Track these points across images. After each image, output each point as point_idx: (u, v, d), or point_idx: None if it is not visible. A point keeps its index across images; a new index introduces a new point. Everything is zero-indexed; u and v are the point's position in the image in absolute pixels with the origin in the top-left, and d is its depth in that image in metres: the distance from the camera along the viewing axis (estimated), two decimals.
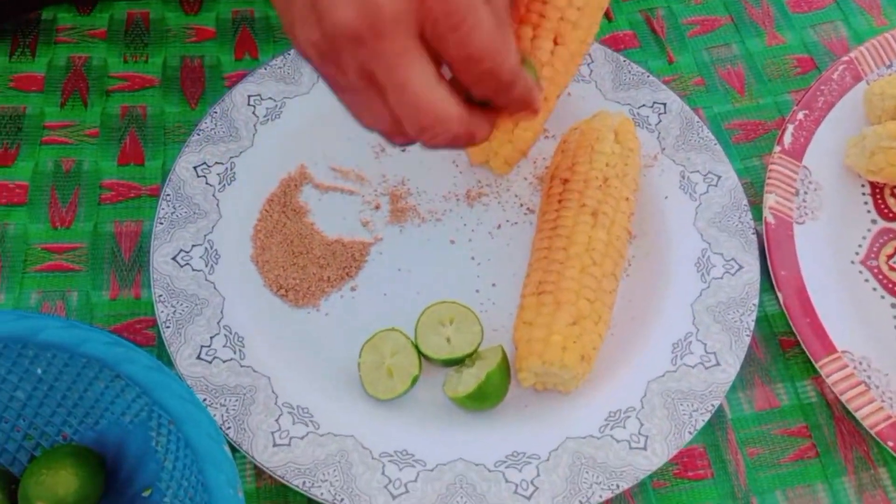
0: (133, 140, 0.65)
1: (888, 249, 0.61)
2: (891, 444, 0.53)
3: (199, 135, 0.63)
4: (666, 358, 0.56)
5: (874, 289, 0.59)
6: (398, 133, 0.47)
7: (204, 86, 0.68)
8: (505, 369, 0.54)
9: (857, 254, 0.61)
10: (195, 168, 0.62)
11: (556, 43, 0.58)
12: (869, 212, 0.62)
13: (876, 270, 0.60)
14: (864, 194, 0.63)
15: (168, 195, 0.60)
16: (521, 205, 0.63)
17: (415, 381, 0.54)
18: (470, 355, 0.56)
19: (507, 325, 0.58)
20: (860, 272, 0.60)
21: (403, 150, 0.65)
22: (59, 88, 0.67)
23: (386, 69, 0.43)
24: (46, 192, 0.62)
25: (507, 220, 0.63)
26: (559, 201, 0.57)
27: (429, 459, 0.53)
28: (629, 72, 0.67)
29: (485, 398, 0.54)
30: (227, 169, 0.62)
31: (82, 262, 0.60)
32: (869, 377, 0.55)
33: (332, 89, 0.47)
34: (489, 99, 0.47)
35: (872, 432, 0.53)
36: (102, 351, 0.45)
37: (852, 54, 0.66)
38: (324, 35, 0.43)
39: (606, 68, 0.67)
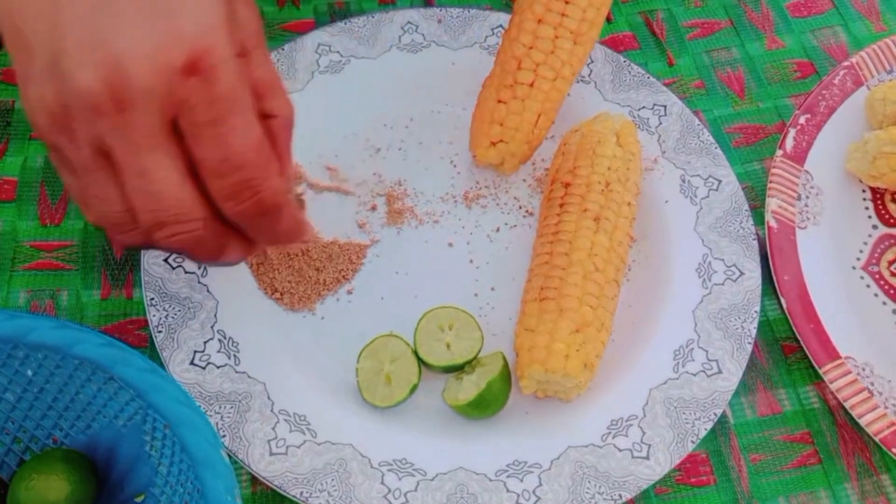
0: None
1: (889, 255, 0.61)
2: (895, 450, 0.52)
3: None
4: (667, 365, 0.56)
5: (875, 294, 0.59)
6: (129, 229, 0.40)
7: None
8: (506, 377, 0.53)
9: (858, 259, 0.60)
10: None
11: (574, 42, 0.58)
12: (870, 217, 0.62)
13: (877, 276, 0.60)
14: (864, 199, 0.63)
15: None
16: (521, 207, 0.63)
17: (413, 389, 0.53)
18: (470, 362, 0.55)
19: (506, 329, 0.58)
20: (861, 278, 0.60)
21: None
22: None
23: (126, 149, 0.37)
24: (35, 189, 0.61)
25: (506, 223, 0.62)
26: (561, 205, 0.56)
27: (429, 468, 0.52)
28: (629, 73, 0.67)
29: (486, 406, 0.53)
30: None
31: (72, 261, 0.58)
32: (872, 383, 0.55)
33: (58, 167, 0.40)
34: (243, 223, 0.40)
35: (877, 439, 0.53)
36: (96, 352, 0.44)
37: (853, 59, 0.66)
38: (58, 98, 0.36)
39: (606, 69, 0.67)
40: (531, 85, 0.59)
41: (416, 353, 0.54)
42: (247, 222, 0.40)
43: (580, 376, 0.51)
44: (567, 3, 0.57)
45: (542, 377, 0.52)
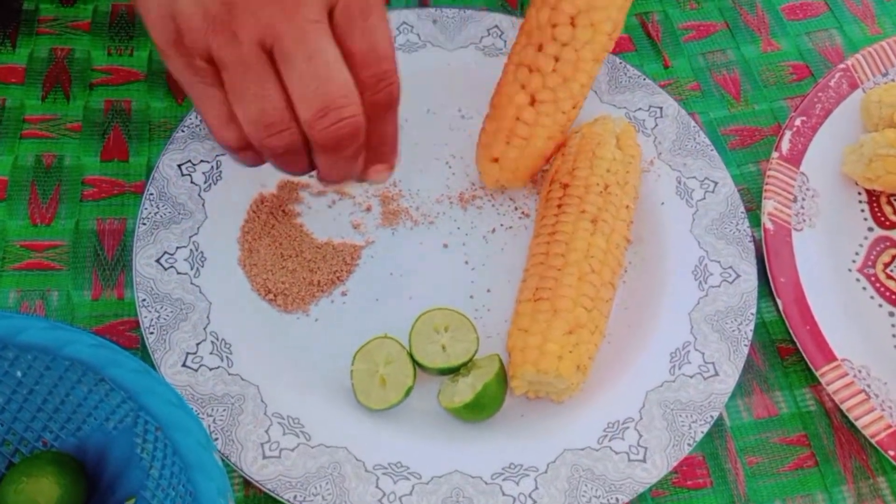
0: (117, 135, 0.63)
1: (885, 258, 0.61)
2: (892, 453, 0.52)
3: (184, 131, 0.61)
4: (664, 368, 0.55)
5: (871, 297, 0.59)
6: (284, 126, 0.41)
7: None
8: (502, 379, 0.53)
9: (854, 262, 0.60)
10: (180, 166, 0.60)
11: (566, 80, 0.58)
12: (865, 220, 0.62)
13: (873, 279, 0.60)
14: (860, 202, 0.63)
15: (151, 194, 0.58)
16: (516, 208, 0.62)
17: (408, 392, 0.53)
18: (465, 364, 0.54)
19: (502, 332, 0.57)
20: (857, 280, 0.60)
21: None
22: (41, 81, 0.64)
23: (297, 33, 0.39)
24: (26, 188, 0.60)
25: (502, 224, 0.62)
26: (558, 206, 0.56)
27: (424, 472, 0.51)
28: (625, 74, 0.66)
29: (481, 409, 0.52)
30: (213, 167, 0.60)
31: (63, 261, 0.58)
32: (868, 385, 0.54)
33: (197, 83, 0.41)
34: (371, 114, 0.42)
35: (873, 441, 0.53)
36: (87, 353, 0.43)
37: (849, 62, 0.66)
38: None
39: (602, 70, 0.66)
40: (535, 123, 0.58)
41: (410, 355, 0.54)
42: (374, 114, 0.42)
43: (572, 378, 0.51)
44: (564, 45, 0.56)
45: (534, 378, 0.52)
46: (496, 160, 0.59)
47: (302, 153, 0.44)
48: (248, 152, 0.44)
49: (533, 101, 0.57)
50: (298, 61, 0.39)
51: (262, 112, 0.40)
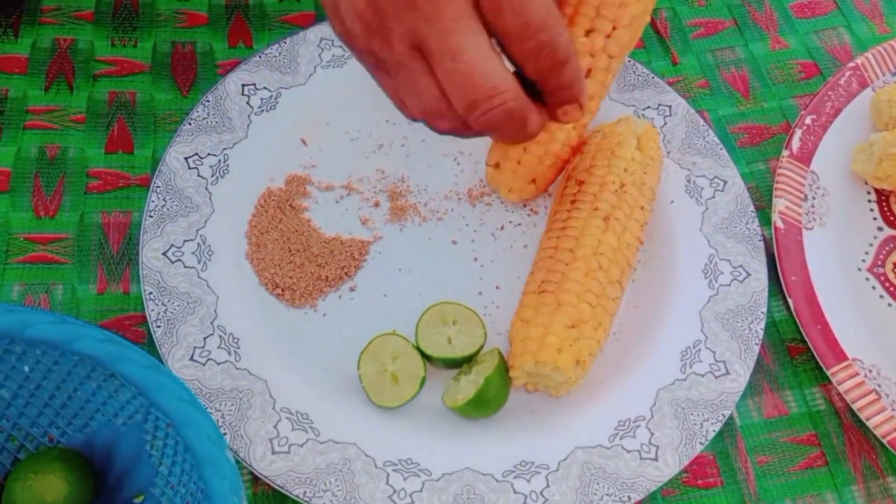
0: (121, 127, 0.62)
1: (894, 257, 0.60)
2: None
3: (190, 124, 0.60)
4: (675, 366, 0.55)
5: (881, 296, 0.59)
6: (444, 114, 0.44)
7: (196, 73, 0.65)
8: (504, 372, 0.53)
9: (863, 261, 0.60)
10: (187, 159, 0.59)
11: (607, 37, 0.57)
12: (875, 219, 0.62)
13: (883, 278, 0.60)
14: (869, 201, 0.63)
15: (158, 187, 0.57)
16: (525, 205, 0.62)
17: (423, 382, 0.52)
18: (470, 358, 0.54)
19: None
20: (867, 279, 0.59)
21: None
22: (44, 71, 0.63)
23: (439, 34, 0.41)
24: (30, 180, 0.59)
25: (511, 221, 0.61)
26: (572, 202, 0.56)
27: (434, 468, 0.51)
28: (634, 72, 0.66)
29: (486, 404, 0.52)
30: (220, 161, 0.60)
31: (68, 254, 0.57)
32: (879, 385, 0.54)
33: (374, 71, 0.45)
34: (542, 78, 0.44)
35: (885, 441, 0.52)
36: (96, 348, 0.43)
37: (858, 60, 0.66)
38: (371, 2, 0.41)
39: None
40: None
41: (416, 346, 0.54)
42: (546, 78, 0.44)
43: (570, 372, 0.51)
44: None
45: (533, 369, 0.51)
46: (503, 166, 0.59)
47: (471, 128, 0.46)
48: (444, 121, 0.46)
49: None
50: (444, 60, 0.41)
51: (422, 103, 0.44)
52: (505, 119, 0.43)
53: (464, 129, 0.45)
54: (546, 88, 0.44)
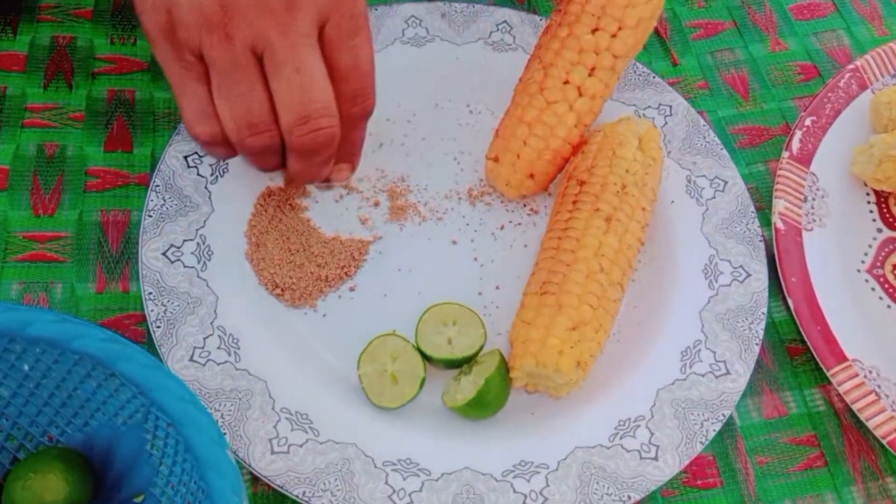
0: (121, 125, 0.62)
1: (894, 259, 0.61)
2: None
3: None
4: (675, 366, 0.55)
5: (880, 298, 0.59)
6: (265, 129, 0.44)
7: None
8: (504, 373, 0.53)
9: (863, 262, 0.60)
10: (186, 158, 0.59)
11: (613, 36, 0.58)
12: (874, 220, 0.62)
13: (882, 279, 0.60)
14: (869, 203, 0.63)
15: (157, 186, 0.57)
16: (525, 205, 0.62)
17: (423, 383, 0.52)
18: (470, 358, 0.54)
19: (510, 329, 0.57)
20: (866, 281, 0.60)
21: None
22: (42, 69, 0.63)
23: (288, 45, 0.41)
24: (28, 178, 0.59)
25: (511, 221, 0.61)
26: (573, 202, 0.55)
27: (434, 468, 0.51)
28: (634, 73, 0.66)
29: (486, 405, 0.52)
30: (219, 160, 0.59)
31: (67, 253, 0.57)
32: (878, 386, 0.54)
33: (180, 71, 0.43)
34: (350, 120, 0.46)
35: (884, 442, 0.53)
36: (97, 347, 0.42)
37: (858, 62, 0.66)
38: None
39: None
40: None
41: (416, 346, 0.53)
42: (351, 123, 0.46)
43: (571, 374, 0.51)
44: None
45: (534, 370, 0.51)
46: (518, 156, 0.59)
47: (277, 153, 0.47)
48: (220, 147, 0.47)
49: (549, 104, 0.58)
50: (287, 71, 0.42)
51: (247, 112, 0.43)
52: (324, 144, 0.45)
53: (271, 149, 0.45)
54: (341, 137, 0.46)
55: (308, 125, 0.43)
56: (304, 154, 0.46)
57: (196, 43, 0.42)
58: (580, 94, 0.58)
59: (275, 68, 0.42)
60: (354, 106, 0.46)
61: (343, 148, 0.48)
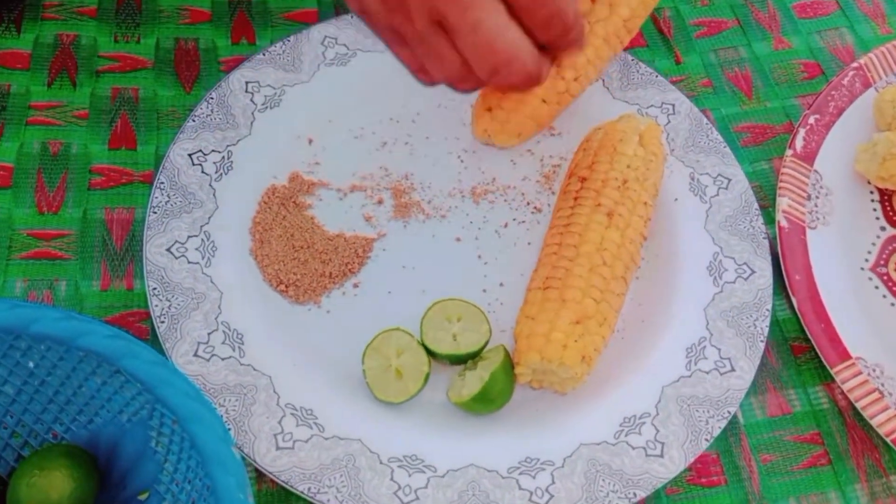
0: (125, 123, 0.62)
1: None
2: None
3: (194, 121, 0.60)
4: (680, 363, 0.55)
5: (884, 296, 0.59)
6: (466, 79, 0.47)
7: (199, 69, 0.65)
8: (509, 368, 0.53)
9: (866, 260, 0.60)
10: (190, 156, 0.59)
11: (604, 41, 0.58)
12: (878, 219, 0.62)
13: (885, 277, 0.60)
14: (872, 201, 0.63)
15: (162, 183, 0.57)
16: (528, 203, 0.62)
17: (426, 379, 0.52)
18: (475, 354, 0.54)
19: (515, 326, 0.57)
20: (870, 279, 0.60)
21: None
22: (47, 67, 0.63)
23: (458, 9, 0.44)
24: (32, 175, 0.59)
25: (514, 219, 0.61)
26: (575, 198, 0.55)
27: (439, 465, 0.51)
28: (637, 71, 0.66)
29: (491, 400, 0.52)
30: (223, 157, 0.60)
31: (71, 250, 0.56)
32: (882, 384, 0.54)
33: (394, 46, 0.48)
34: (552, 43, 0.47)
35: (888, 439, 0.53)
36: (102, 344, 0.42)
37: (861, 61, 0.66)
38: None
39: (614, 67, 0.66)
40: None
41: (420, 342, 0.53)
42: (555, 43, 0.48)
43: (576, 368, 0.51)
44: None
45: (539, 366, 0.51)
46: (490, 109, 0.60)
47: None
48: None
49: None
50: (464, 33, 0.45)
51: (445, 71, 0.47)
52: (524, 80, 0.47)
53: (480, 86, 0.49)
54: (555, 48, 0.48)
55: (500, 75, 0.46)
56: (510, 90, 0.51)
57: (387, 22, 0.46)
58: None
59: (454, 34, 0.45)
60: (550, 32, 0.46)
61: (564, 49, 0.49)
